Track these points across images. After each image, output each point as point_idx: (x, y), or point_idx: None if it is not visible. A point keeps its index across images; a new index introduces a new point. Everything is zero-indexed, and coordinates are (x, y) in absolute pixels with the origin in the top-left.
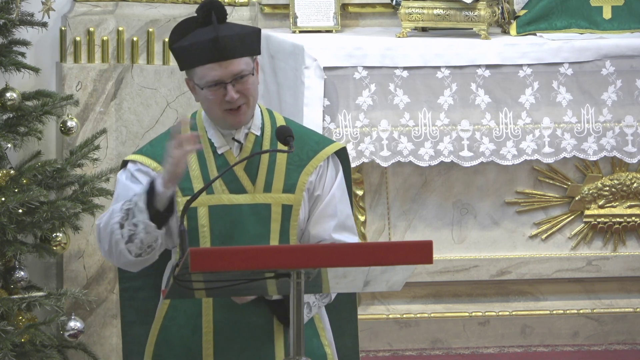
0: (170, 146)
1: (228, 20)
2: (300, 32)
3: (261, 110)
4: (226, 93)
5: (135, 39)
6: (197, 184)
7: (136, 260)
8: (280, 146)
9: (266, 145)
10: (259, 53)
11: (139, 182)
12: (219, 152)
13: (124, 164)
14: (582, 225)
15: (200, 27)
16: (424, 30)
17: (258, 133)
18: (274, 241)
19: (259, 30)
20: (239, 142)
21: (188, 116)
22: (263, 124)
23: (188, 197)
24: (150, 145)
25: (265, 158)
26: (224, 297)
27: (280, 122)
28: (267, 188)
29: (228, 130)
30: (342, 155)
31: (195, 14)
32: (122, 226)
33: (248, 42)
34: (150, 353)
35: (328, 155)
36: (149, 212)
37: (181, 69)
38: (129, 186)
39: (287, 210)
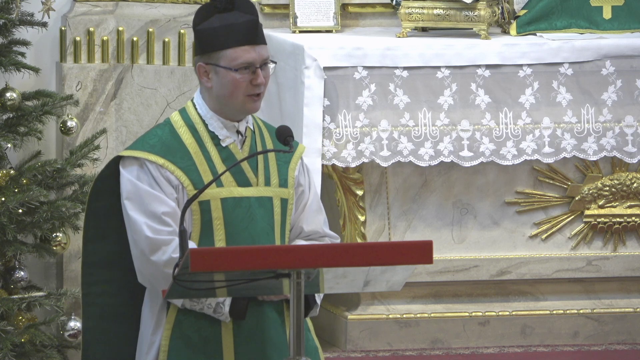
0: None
1: None
2: (300, 32)
3: None
4: (255, 77)
5: (135, 39)
6: (206, 177)
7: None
8: (275, 145)
9: (258, 140)
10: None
11: (160, 188)
12: (223, 144)
13: (118, 159)
14: (582, 225)
15: (219, 13)
16: (424, 30)
17: (252, 127)
18: (277, 234)
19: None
20: (241, 134)
21: (176, 114)
22: (251, 120)
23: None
24: (145, 140)
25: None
26: (224, 297)
27: (257, 120)
28: (267, 182)
29: (231, 123)
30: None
31: (214, 1)
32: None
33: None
34: (166, 347)
35: (301, 153)
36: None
37: (207, 51)
38: (155, 195)
39: (284, 204)
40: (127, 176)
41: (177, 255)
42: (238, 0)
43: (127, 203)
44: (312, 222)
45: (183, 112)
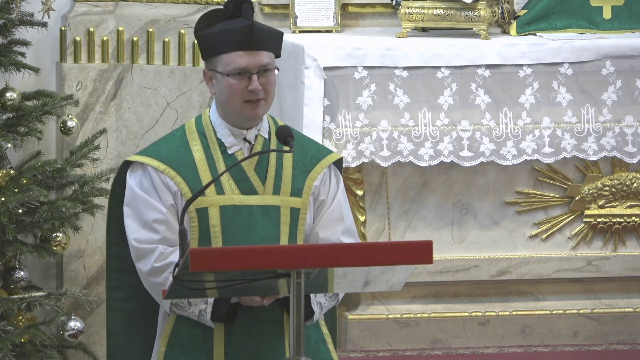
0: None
1: None
2: (300, 32)
3: (266, 116)
4: (250, 83)
5: (135, 39)
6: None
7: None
8: (295, 154)
9: (273, 147)
10: (280, 56)
11: (157, 194)
12: (229, 152)
13: (127, 164)
14: (582, 225)
15: (228, 19)
16: (424, 30)
17: (266, 136)
18: (284, 243)
19: (282, 33)
20: (249, 142)
21: (192, 120)
22: (269, 128)
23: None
24: (154, 146)
25: (273, 160)
26: (224, 297)
27: (280, 124)
28: (276, 190)
29: (239, 130)
30: (338, 165)
31: (223, 7)
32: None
33: (275, 40)
34: (162, 354)
35: (330, 163)
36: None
37: (206, 57)
38: (149, 201)
39: (295, 213)
40: (130, 182)
41: (159, 264)
42: (245, 6)
43: (125, 209)
44: (328, 229)
45: (198, 118)
